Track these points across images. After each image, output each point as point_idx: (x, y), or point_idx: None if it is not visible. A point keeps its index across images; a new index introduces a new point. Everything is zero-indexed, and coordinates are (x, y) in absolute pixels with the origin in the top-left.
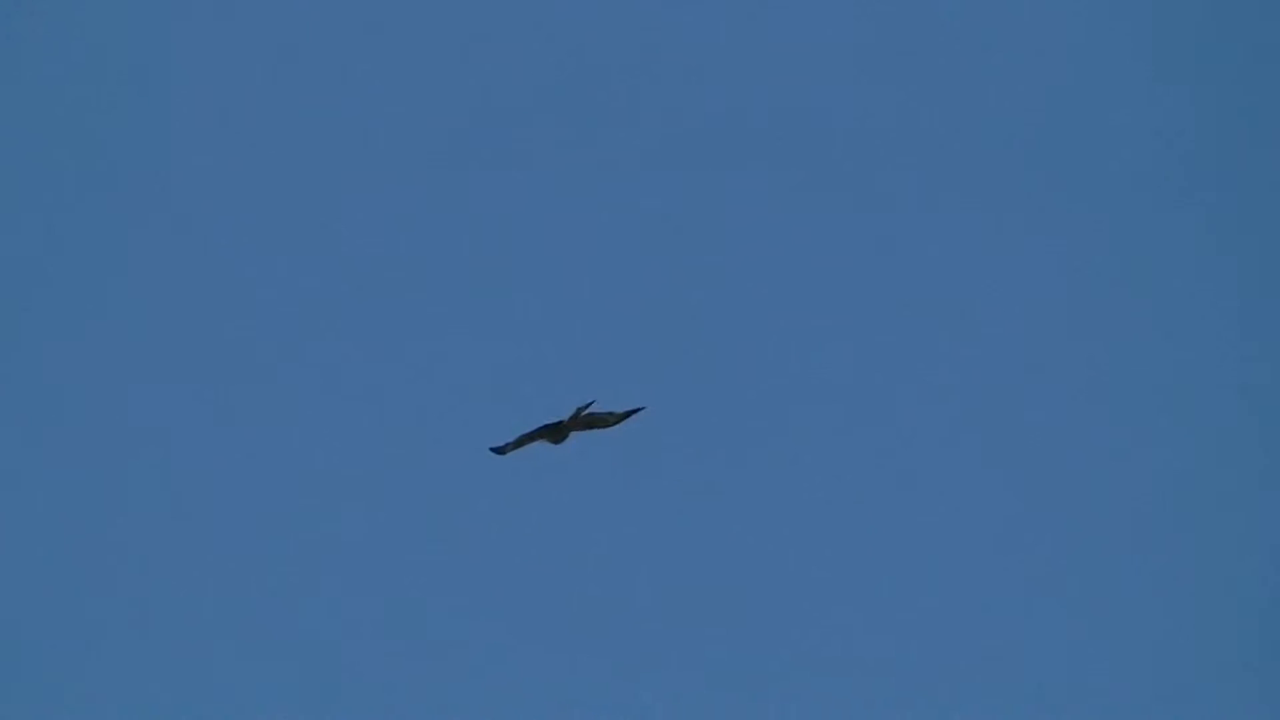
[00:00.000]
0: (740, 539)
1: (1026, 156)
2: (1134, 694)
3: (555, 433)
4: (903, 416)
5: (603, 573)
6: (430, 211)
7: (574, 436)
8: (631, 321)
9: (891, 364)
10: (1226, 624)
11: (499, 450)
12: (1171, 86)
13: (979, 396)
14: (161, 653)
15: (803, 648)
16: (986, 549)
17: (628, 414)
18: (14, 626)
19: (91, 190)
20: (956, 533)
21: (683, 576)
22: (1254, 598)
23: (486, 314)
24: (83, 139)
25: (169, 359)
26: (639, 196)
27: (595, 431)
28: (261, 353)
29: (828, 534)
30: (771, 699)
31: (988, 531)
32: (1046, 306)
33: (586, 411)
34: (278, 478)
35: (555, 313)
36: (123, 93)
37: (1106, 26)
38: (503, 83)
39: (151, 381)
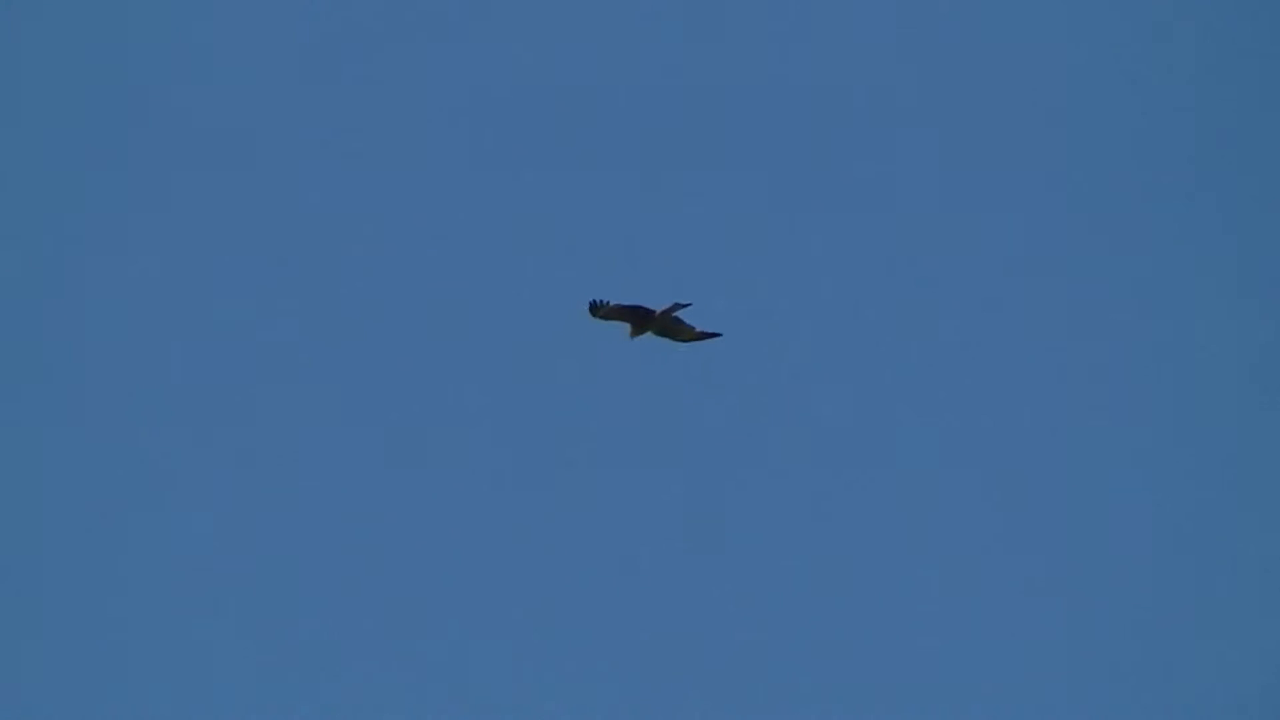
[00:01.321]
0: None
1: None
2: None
3: (641, 320)
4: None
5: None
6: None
7: (647, 337)
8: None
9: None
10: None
11: (595, 307)
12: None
13: (979, 398)
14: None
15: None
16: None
17: (704, 335)
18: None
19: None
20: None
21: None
22: (1254, 600)
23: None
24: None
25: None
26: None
27: (663, 343)
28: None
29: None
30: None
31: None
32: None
33: (676, 313)
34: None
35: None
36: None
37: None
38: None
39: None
